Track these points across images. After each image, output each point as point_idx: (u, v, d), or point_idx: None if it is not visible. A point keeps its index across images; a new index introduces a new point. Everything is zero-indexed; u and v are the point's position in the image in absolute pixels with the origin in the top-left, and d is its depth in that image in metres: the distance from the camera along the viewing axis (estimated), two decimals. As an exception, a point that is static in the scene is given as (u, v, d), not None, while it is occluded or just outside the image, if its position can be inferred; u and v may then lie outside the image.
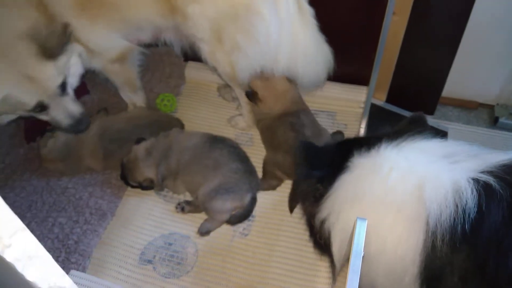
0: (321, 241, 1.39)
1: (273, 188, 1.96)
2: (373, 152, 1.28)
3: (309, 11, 1.85)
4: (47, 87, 1.66)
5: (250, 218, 1.86)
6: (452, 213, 1.05)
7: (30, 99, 1.65)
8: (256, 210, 1.87)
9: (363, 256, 1.01)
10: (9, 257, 0.64)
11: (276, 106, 1.95)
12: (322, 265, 1.71)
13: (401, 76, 2.19)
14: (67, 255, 1.78)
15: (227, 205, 1.75)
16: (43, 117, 1.78)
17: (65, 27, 1.62)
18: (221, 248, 1.80)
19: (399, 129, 1.39)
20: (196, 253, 1.80)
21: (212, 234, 1.84)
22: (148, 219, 1.92)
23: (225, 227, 1.85)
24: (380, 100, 2.30)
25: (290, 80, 1.97)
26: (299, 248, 1.77)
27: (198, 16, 1.71)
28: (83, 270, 1.76)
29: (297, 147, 1.49)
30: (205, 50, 1.85)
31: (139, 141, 1.87)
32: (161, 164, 1.82)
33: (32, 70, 1.59)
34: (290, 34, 1.83)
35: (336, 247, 1.30)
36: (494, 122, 2.29)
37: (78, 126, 1.85)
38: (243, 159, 1.84)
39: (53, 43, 1.59)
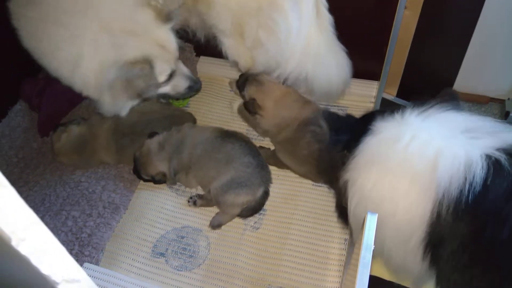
0: (346, 206, 1.43)
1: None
2: (397, 117, 1.32)
3: (328, 17, 1.82)
4: (173, 52, 1.64)
5: (261, 211, 1.87)
6: (460, 186, 1.11)
7: (167, 68, 1.63)
8: (267, 204, 1.88)
9: (373, 250, 1.01)
10: (24, 251, 0.65)
11: (280, 113, 1.88)
12: (333, 258, 1.72)
13: (412, 71, 2.17)
14: (81, 248, 1.81)
15: (239, 199, 1.76)
16: (164, 89, 1.75)
17: None
18: (232, 241, 1.81)
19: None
20: (208, 246, 1.81)
21: (223, 227, 1.85)
22: (161, 212, 1.94)
23: (236, 221, 1.86)
24: (391, 95, 2.28)
25: (287, 86, 1.93)
26: (311, 241, 1.78)
27: (222, 6, 1.71)
28: (97, 263, 1.79)
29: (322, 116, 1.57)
30: (226, 43, 1.85)
31: (152, 135, 1.88)
32: (174, 158, 1.83)
33: (160, 37, 1.56)
34: (305, 36, 1.81)
35: (352, 205, 1.36)
36: (505, 117, 2.26)
37: (196, 85, 1.81)
38: (255, 153, 1.84)
39: (170, 5, 1.56)
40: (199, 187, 1.96)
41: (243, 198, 1.77)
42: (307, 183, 1.95)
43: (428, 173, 1.18)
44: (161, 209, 1.95)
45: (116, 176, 2.04)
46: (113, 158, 2.03)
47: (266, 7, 1.67)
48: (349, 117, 1.54)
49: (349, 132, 1.43)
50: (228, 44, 1.85)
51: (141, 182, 2.02)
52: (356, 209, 1.35)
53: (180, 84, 1.75)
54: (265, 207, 1.88)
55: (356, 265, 1.02)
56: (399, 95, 2.26)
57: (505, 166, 1.10)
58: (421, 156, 1.21)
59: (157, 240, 1.86)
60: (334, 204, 1.86)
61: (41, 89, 2.22)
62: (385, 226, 1.23)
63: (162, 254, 1.81)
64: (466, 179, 1.11)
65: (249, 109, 1.92)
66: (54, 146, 2.02)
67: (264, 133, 2.04)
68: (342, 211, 1.52)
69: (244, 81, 1.96)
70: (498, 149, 1.15)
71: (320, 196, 1.91)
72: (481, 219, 1.09)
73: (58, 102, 2.28)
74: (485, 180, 1.09)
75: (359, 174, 1.33)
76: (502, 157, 1.12)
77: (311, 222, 1.83)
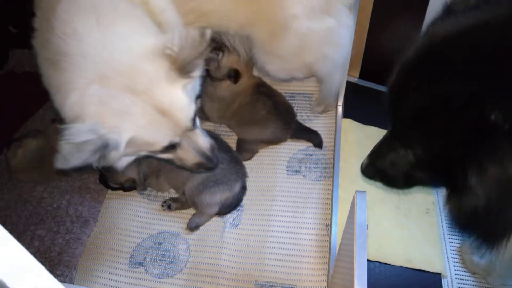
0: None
1: (248, 159, 1.98)
2: None
3: None
4: (181, 121, 1.29)
5: (239, 207, 1.82)
6: None
7: (161, 140, 1.30)
8: (244, 199, 1.83)
9: (367, 228, 0.98)
10: (-4, 272, 0.58)
11: (246, 80, 1.95)
12: (317, 245, 1.70)
13: (372, 51, 2.17)
14: (51, 268, 1.69)
15: (216, 197, 1.70)
16: (165, 156, 1.43)
17: (202, 32, 1.24)
18: (213, 241, 1.76)
19: None
20: (188, 249, 1.74)
21: (202, 228, 1.79)
22: (134, 220, 1.85)
23: (215, 220, 1.81)
24: (353, 77, 2.28)
25: None
26: (292, 231, 1.75)
27: (293, 35, 1.60)
28: (71, 281, 1.69)
29: None
30: (278, 66, 1.79)
31: (115, 140, 1.79)
32: (142, 162, 1.75)
33: (163, 98, 1.22)
34: None
35: None
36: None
37: (209, 163, 1.49)
38: (227, 149, 1.79)
39: (188, 56, 1.22)
40: (172, 190, 1.89)
41: (220, 195, 1.71)
42: (282, 173, 1.92)
43: None
44: (134, 217, 1.86)
45: (81, 188, 1.93)
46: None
47: (336, 26, 1.62)
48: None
49: None
50: (280, 67, 1.78)
51: (109, 191, 1.92)
52: None
53: (186, 157, 1.44)
54: (242, 202, 1.83)
55: (351, 245, 0.99)
56: (362, 76, 2.27)
57: None
58: None
59: (133, 250, 1.77)
60: (310, 192, 1.85)
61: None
62: None
63: (140, 264, 1.73)
64: None
65: (233, 78, 1.92)
66: (10, 163, 1.89)
67: (215, 106, 2.02)
68: None
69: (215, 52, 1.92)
70: None
71: (296, 184, 1.88)
72: None
73: (8, 117, 2.14)
74: None
75: None
76: None
77: (290, 212, 1.81)
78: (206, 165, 1.48)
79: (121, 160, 1.37)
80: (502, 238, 0.93)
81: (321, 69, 1.81)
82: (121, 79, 1.18)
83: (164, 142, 1.30)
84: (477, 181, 0.88)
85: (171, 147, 1.36)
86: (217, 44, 1.89)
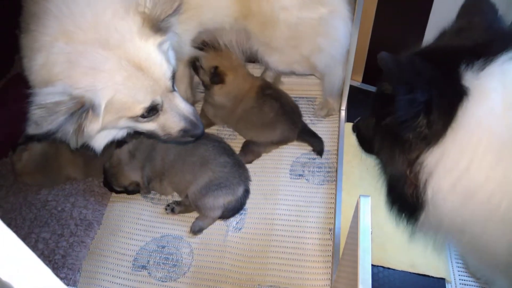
0: (412, 198, 1.05)
1: (250, 162, 1.97)
2: (495, 70, 0.89)
3: None
4: (159, 77, 1.25)
5: (242, 211, 1.82)
6: None
7: (142, 99, 1.24)
8: (247, 202, 1.84)
9: (371, 233, 0.99)
10: (3, 275, 0.58)
11: (240, 83, 1.92)
12: (320, 249, 1.69)
13: (376, 55, 2.18)
14: (55, 271, 1.70)
15: (219, 200, 1.71)
16: (147, 126, 1.36)
17: None
18: (216, 244, 1.76)
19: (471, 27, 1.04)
20: (191, 253, 1.75)
21: (205, 231, 1.79)
22: (137, 224, 1.86)
23: (218, 223, 1.81)
24: (356, 81, 2.29)
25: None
26: (295, 235, 1.75)
27: (283, 24, 1.61)
28: (74, 284, 1.69)
29: (383, 62, 1.07)
30: (275, 58, 1.81)
31: (120, 144, 1.79)
32: (146, 166, 1.76)
33: (137, 54, 1.19)
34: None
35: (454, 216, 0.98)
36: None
37: (194, 130, 1.41)
38: (230, 153, 1.80)
39: (162, 13, 1.21)
40: (175, 194, 1.89)
41: (223, 199, 1.72)
42: (285, 177, 1.92)
43: None
44: (137, 220, 1.87)
45: (85, 191, 1.94)
46: (81, 172, 1.93)
47: (328, 16, 1.62)
48: (425, 66, 1.01)
49: (428, 90, 0.95)
50: (279, 58, 1.80)
51: (113, 194, 1.93)
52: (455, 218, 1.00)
53: (170, 124, 1.36)
54: (245, 206, 1.83)
55: (355, 250, 1.00)
56: (365, 80, 2.27)
57: None
58: None
59: (137, 253, 1.78)
60: (313, 196, 1.85)
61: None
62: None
63: (144, 267, 1.73)
64: None
65: (215, 80, 1.87)
66: (16, 166, 1.90)
67: (218, 113, 2.02)
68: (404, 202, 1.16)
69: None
70: None
71: (299, 188, 1.89)
72: None
73: (14, 120, 2.15)
74: None
75: (467, 167, 0.90)
76: None
77: (293, 216, 1.81)
78: (192, 131, 1.40)
79: (100, 136, 1.31)
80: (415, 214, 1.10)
81: (319, 62, 1.81)
82: (87, 34, 1.14)
83: (145, 102, 1.25)
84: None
85: (153, 110, 1.31)
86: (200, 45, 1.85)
